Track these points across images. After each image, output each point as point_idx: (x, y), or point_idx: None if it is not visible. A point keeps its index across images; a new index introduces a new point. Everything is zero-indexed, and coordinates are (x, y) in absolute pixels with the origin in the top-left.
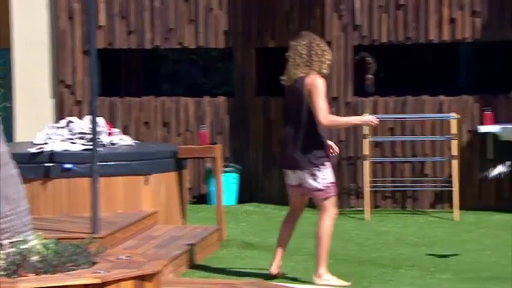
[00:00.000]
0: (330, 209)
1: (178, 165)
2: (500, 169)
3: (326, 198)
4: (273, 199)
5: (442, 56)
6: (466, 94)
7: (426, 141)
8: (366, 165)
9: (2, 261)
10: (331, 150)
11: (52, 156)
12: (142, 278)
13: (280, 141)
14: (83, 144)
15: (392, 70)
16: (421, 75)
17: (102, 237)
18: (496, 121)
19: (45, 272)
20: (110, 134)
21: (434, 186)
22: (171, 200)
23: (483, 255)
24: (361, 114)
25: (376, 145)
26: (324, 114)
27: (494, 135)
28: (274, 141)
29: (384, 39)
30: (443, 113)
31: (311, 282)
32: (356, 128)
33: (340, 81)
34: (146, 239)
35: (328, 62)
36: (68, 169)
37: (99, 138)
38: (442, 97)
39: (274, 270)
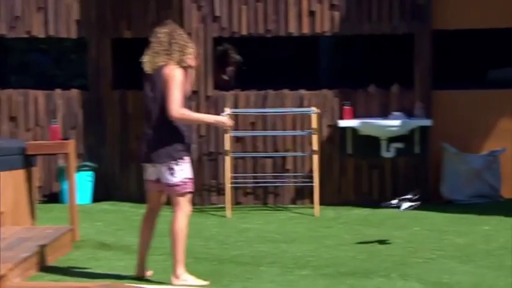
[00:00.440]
0: (185, 205)
1: (27, 162)
2: (409, 204)
3: (182, 194)
4: (131, 197)
5: (303, 49)
6: (326, 88)
7: (287, 136)
8: (227, 161)
9: None
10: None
11: None
12: None
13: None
14: None
15: (253, 64)
16: (282, 69)
17: None
18: (356, 116)
19: None
20: None
21: (295, 182)
22: (18, 200)
23: (341, 250)
24: (222, 108)
25: (237, 140)
26: (176, 107)
27: (353, 130)
28: (131, 136)
29: (244, 32)
30: (303, 107)
31: (169, 283)
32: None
33: (200, 75)
34: None
35: (189, 55)
36: None
37: None
38: (302, 91)
39: (140, 272)
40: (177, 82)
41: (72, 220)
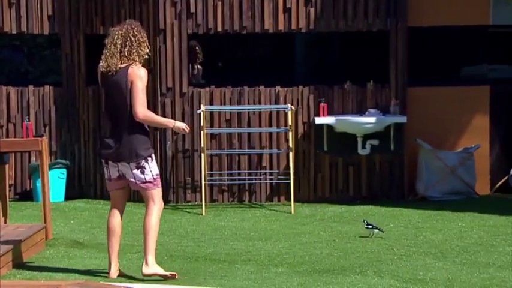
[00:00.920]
0: (158, 200)
1: None
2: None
3: (154, 190)
4: (105, 195)
5: (279, 46)
6: (302, 85)
7: (263, 133)
8: (203, 158)
9: None
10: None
11: None
12: None
13: (104, 132)
14: None
15: (229, 60)
16: (258, 65)
17: None
18: (331, 112)
19: None
20: None
21: (271, 179)
22: None
23: (317, 247)
24: (197, 105)
25: (212, 137)
26: (142, 109)
27: (329, 127)
28: (106, 133)
29: (219, 28)
30: (279, 104)
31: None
32: (193, 119)
33: (175, 71)
34: None
35: (145, 55)
36: None
37: None
38: (278, 88)
39: (113, 275)
40: (143, 83)
41: (45, 218)
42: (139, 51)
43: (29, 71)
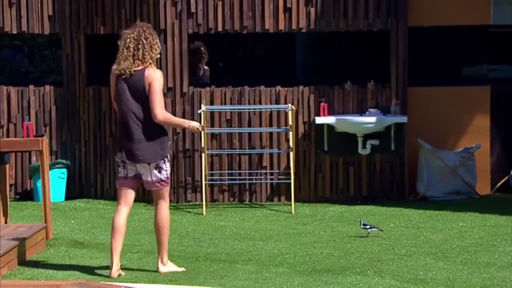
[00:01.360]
0: (168, 198)
1: (0, 159)
2: (375, 229)
3: (166, 188)
4: (106, 195)
5: (279, 46)
6: (302, 85)
7: (264, 132)
8: (203, 158)
9: None
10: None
11: None
12: None
13: (121, 133)
14: None
15: (229, 60)
16: (258, 65)
17: None
18: (332, 112)
19: None
20: None
21: (272, 179)
22: None
23: (317, 247)
24: (198, 105)
25: (213, 137)
26: (161, 110)
27: (329, 127)
28: (106, 133)
29: (220, 28)
30: (280, 104)
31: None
32: (193, 119)
33: (175, 71)
34: None
35: (156, 56)
36: None
37: None
38: (278, 88)
39: (114, 274)
40: (160, 85)
41: (46, 218)
42: (151, 53)
43: (30, 71)
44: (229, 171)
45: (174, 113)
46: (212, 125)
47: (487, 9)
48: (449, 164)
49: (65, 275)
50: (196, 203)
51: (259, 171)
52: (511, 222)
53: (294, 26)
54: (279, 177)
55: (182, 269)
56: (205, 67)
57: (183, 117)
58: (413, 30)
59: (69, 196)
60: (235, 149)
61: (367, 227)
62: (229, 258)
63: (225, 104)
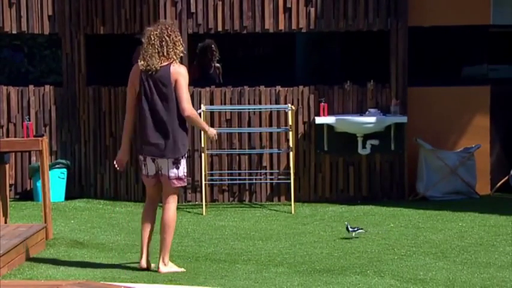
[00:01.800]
0: (176, 200)
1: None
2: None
3: (178, 187)
4: (105, 195)
5: (279, 46)
6: (302, 85)
7: (263, 132)
8: (203, 158)
9: None
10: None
11: None
12: None
13: (142, 129)
14: None
15: (229, 60)
16: (258, 65)
17: None
18: (332, 112)
19: None
20: None
21: (271, 179)
22: None
23: (317, 247)
24: (198, 104)
25: None
26: (189, 106)
27: (329, 127)
28: (106, 133)
29: (220, 28)
30: (280, 104)
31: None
32: None
33: None
34: None
35: (180, 53)
36: None
37: None
38: (278, 88)
39: (144, 264)
40: (186, 81)
41: (46, 218)
42: (176, 50)
43: (30, 70)
44: (229, 171)
45: None
46: (212, 125)
47: (487, 9)
48: (449, 164)
49: (65, 275)
50: (196, 203)
51: (259, 171)
52: (511, 222)
53: (294, 26)
54: (279, 177)
55: (182, 269)
56: (217, 64)
57: None
58: (413, 30)
59: (69, 196)
60: (235, 149)
61: (355, 229)
62: (229, 258)
63: (224, 104)
